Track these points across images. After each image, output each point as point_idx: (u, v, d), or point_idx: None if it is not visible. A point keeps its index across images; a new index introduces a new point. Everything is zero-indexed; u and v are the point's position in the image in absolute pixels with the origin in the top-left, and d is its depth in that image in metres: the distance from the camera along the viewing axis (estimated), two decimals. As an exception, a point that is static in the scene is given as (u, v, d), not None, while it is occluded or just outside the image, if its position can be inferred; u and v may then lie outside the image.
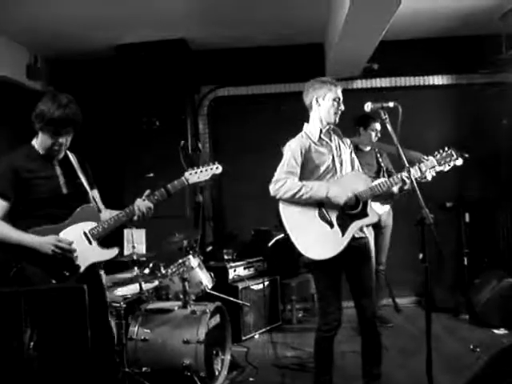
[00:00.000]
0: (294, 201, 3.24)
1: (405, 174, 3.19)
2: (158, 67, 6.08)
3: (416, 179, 3.15)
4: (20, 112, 5.98)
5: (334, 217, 3.26)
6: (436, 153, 3.27)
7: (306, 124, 3.49)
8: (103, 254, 3.07)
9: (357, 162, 3.59)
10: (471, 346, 4.48)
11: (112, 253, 3.10)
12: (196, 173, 3.27)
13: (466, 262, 5.92)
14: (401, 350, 4.65)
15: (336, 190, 3.20)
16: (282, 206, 3.30)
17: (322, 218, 3.26)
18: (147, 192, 3.21)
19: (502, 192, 6.21)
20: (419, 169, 3.23)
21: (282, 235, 3.41)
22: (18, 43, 5.83)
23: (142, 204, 3.13)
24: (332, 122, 3.37)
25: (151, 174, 6.09)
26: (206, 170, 3.30)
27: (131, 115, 6.23)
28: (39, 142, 2.93)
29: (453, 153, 3.27)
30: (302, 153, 3.30)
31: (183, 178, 3.27)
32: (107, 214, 3.17)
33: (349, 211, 3.26)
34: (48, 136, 2.87)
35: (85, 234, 3.01)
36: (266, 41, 6.38)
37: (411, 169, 3.14)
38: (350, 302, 5.21)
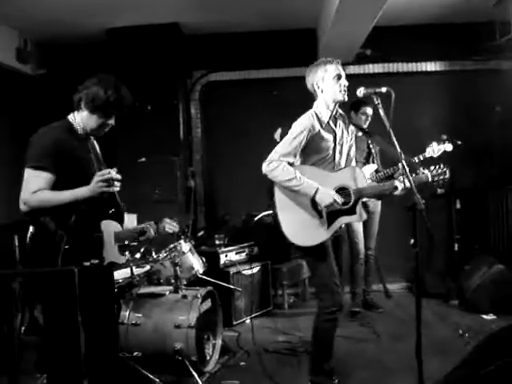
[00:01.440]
0: (282, 185, 3.25)
1: (397, 181, 3.25)
2: (149, 51, 6.03)
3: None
4: (9, 95, 5.97)
5: (325, 208, 3.26)
6: (432, 168, 3.29)
7: (316, 103, 3.39)
8: (118, 257, 3.09)
9: (353, 151, 3.58)
10: (460, 331, 4.53)
11: (122, 259, 3.14)
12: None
13: (456, 248, 5.95)
14: (391, 334, 4.68)
15: (323, 194, 3.18)
16: (277, 186, 3.30)
17: (314, 206, 3.25)
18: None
19: (494, 179, 6.23)
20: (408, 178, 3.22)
21: (270, 212, 3.40)
22: (7, 26, 5.76)
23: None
24: (341, 99, 3.29)
25: (143, 159, 6.08)
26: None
27: (123, 99, 6.17)
28: (83, 122, 2.86)
29: (446, 171, 3.27)
30: (308, 134, 3.25)
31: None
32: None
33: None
34: (99, 116, 2.85)
35: (114, 233, 3.02)
36: (258, 26, 6.34)
37: (399, 180, 3.23)
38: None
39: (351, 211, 3.28)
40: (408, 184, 3.09)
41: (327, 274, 3.27)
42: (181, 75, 6.47)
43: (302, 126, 3.28)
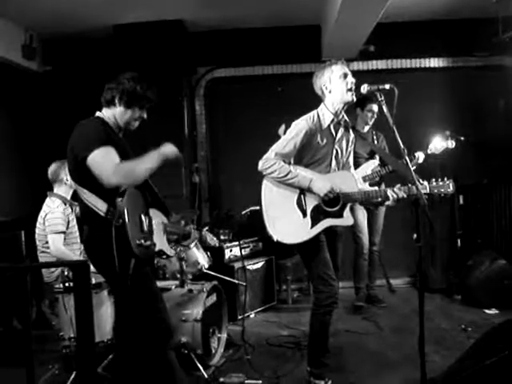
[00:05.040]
0: (278, 181, 3.31)
1: (390, 191, 3.23)
2: (155, 48, 6.03)
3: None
4: (15, 92, 6.01)
5: (310, 207, 3.31)
6: (433, 180, 3.18)
7: (322, 105, 3.42)
8: (168, 248, 3.13)
9: (351, 159, 3.61)
10: (463, 326, 4.57)
11: (172, 252, 3.21)
12: None
13: (459, 244, 5.98)
14: (394, 328, 4.72)
15: (319, 184, 3.23)
16: (265, 182, 3.39)
17: (299, 204, 3.32)
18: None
19: (497, 174, 6.25)
20: (408, 190, 3.19)
21: (257, 208, 3.47)
22: (13, 22, 5.78)
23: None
24: (349, 100, 3.30)
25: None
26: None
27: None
28: (116, 117, 2.94)
29: (450, 185, 3.14)
30: (304, 138, 3.30)
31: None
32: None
33: (326, 207, 3.30)
34: (135, 110, 2.96)
35: (163, 223, 3.07)
36: (262, 22, 6.36)
37: (398, 190, 3.21)
38: (343, 283, 5.29)
39: (338, 214, 3.31)
40: (401, 195, 3.19)
41: (321, 267, 3.31)
42: (186, 72, 6.47)
43: (299, 127, 3.33)
